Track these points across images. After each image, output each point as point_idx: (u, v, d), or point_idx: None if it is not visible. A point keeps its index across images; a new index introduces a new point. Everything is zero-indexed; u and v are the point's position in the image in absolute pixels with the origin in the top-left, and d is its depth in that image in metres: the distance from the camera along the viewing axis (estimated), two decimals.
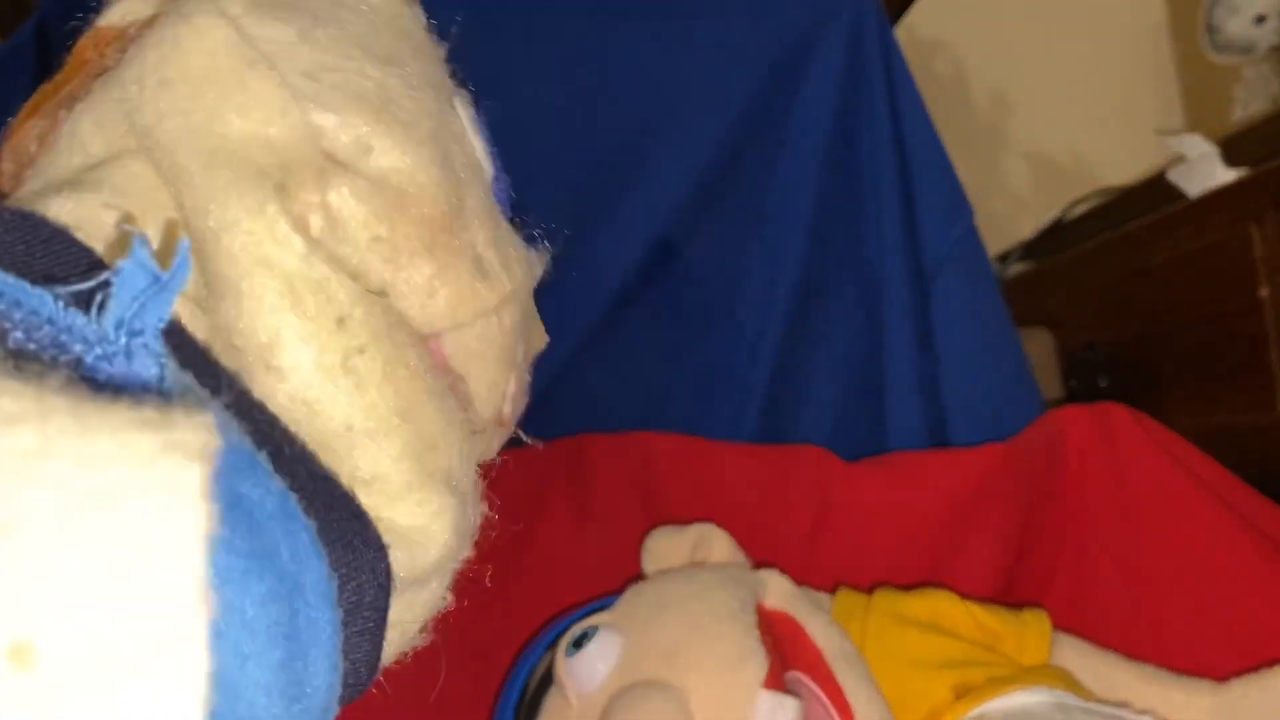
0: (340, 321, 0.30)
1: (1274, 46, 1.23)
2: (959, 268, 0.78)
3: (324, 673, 0.26)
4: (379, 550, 0.30)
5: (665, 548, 0.62)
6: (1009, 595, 0.67)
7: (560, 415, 0.77)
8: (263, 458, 0.26)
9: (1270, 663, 0.57)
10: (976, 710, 0.53)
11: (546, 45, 0.77)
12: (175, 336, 0.28)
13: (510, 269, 0.38)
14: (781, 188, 0.80)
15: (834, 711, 0.50)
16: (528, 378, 0.42)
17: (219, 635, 0.19)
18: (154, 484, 0.19)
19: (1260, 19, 1.23)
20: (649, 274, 0.80)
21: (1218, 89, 1.30)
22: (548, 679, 0.55)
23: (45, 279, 0.26)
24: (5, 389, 0.19)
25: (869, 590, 0.63)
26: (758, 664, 0.50)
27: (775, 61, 0.79)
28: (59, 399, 0.20)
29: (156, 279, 0.26)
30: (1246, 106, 1.25)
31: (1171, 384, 1.09)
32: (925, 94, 0.80)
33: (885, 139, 0.78)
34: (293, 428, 0.29)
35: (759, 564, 0.62)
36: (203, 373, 0.28)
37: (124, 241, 0.28)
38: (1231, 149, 1.06)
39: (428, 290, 0.33)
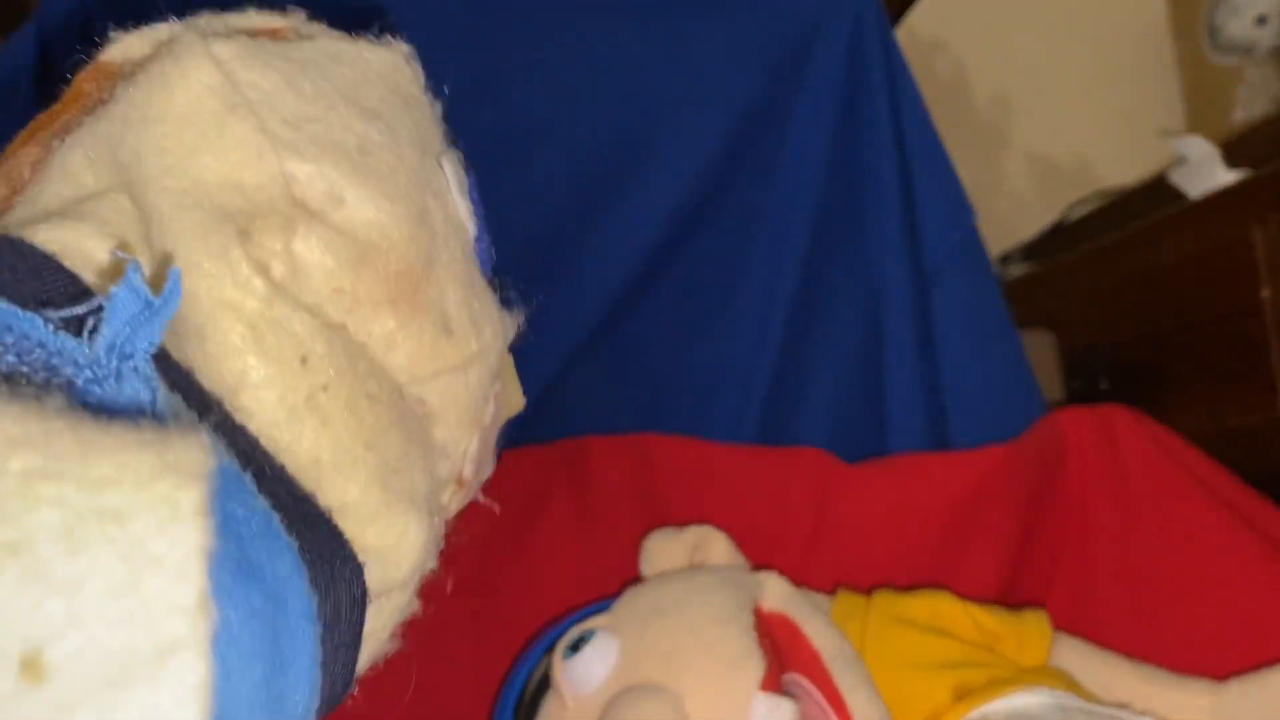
0: (303, 360, 0.30)
1: (1275, 48, 1.23)
2: (960, 269, 0.78)
3: (304, 687, 0.26)
4: (355, 567, 0.30)
5: (664, 550, 0.62)
6: (1010, 596, 0.67)
7: (560, 416, 0.77)
8: (247, 478, 0.27)
9: (1270, 662, 0.57)
10: (976, 711, 0.53)
11: (547, 46, 0.77)
12: (162, 361, 0.28)
13: (480, 330, 0.37)
14: (782, 188, 0.80)
15: (831, 713, 0.50)
16: (494, 442, 0.41)
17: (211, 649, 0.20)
18: (154, 502, 0.20)
19: (1261, 20, 1.23)
20: (649, 275, 0.79)
21: (1219, 90, 1.30)
22: (546, 682, 0.55)
23: (36, 303, 0.27)
24: (6, 412, 0.20)
25: (869, 592, 0.63)
26: (754, 666, 0.50)
27: (776, 62, 0.79)
28: (59, 421, 0.21)
29: (149, 304, 0.26)
30: (1247, 108, 1.25)
31: (1173, 385, 1.08)
32: (926, 95, 0.80)
33: (886, 140, 0.78)
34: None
35: (758, 566, 0.62)
36: (190, 395, 0.29)
37: (117, 267, 0.29)
38: (1232, 150, 1.06)
39: (388, 343, 0.33)
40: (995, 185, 1.40)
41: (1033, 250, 1.35)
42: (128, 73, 0.34)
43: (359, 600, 0.30)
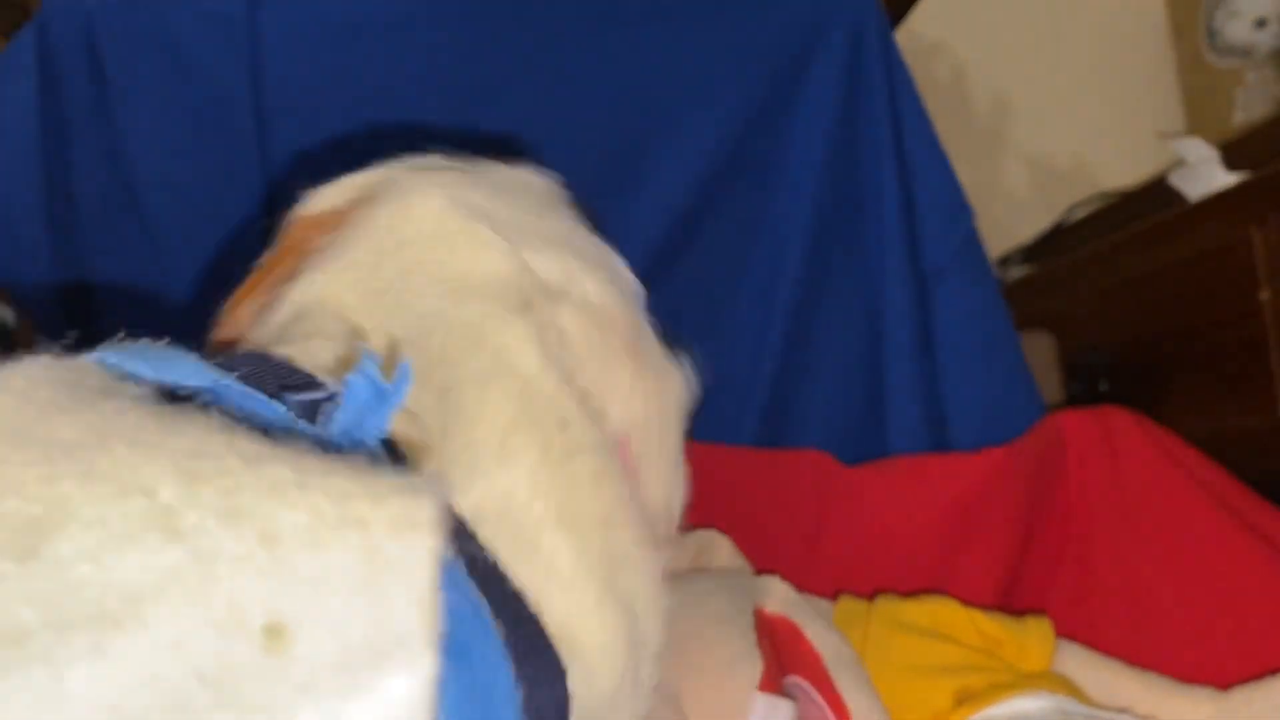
0: (564, 424, 0.34)
1: (1274, 50, 1.23)
2: (960, 271, 0.78)
3: None
4: (559, 669, 0.31)
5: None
6: (1010, 597, 0.67)
7: None
8: (460, 565, 0.28)
9: (1272, 669, 0.57)
10: (978, 716, 0.53)
11: (548, 49, 0.77)
12: (388, 447, 0.31)
13: (672, 370, 0.44)
14: (782, 190, 0.80)
15: (831, 715, 0.50)
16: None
17: None
18: (392, 514, 0.22)
19: (1261, 23, 1.23)
20: (649, 277, 0.79)
21: (1218, 92, 1.30)
22: None
23: (275, 392, 0.30)
24: (256, 436, 0.24)
25: (870, 595, 0.63)
26: (752, 666, 0.50)
27: (776, 65, 0.79)
28: (306, 444, 0.24)
29: (380, 390, 0.30)
30: (1247, 110, 1.25)
31: (1172, 387, 1.08)
32: (926, 97, 0.80)
33: (886, 142, 0.78)
34: (502, 519, 0.32)
35: (760, 571, 0.62)
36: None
37: (351, 359, 0.32)
38: (1232, 152, 1.06)
39: (629, 388, 0.39)
40: (995, 187, 1.40)
41: (1032, 252, 1.35)
42: (332, 222, 0.39)
43: (562, 705, 0.31)
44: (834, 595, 0.64)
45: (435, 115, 0.76)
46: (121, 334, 0.31)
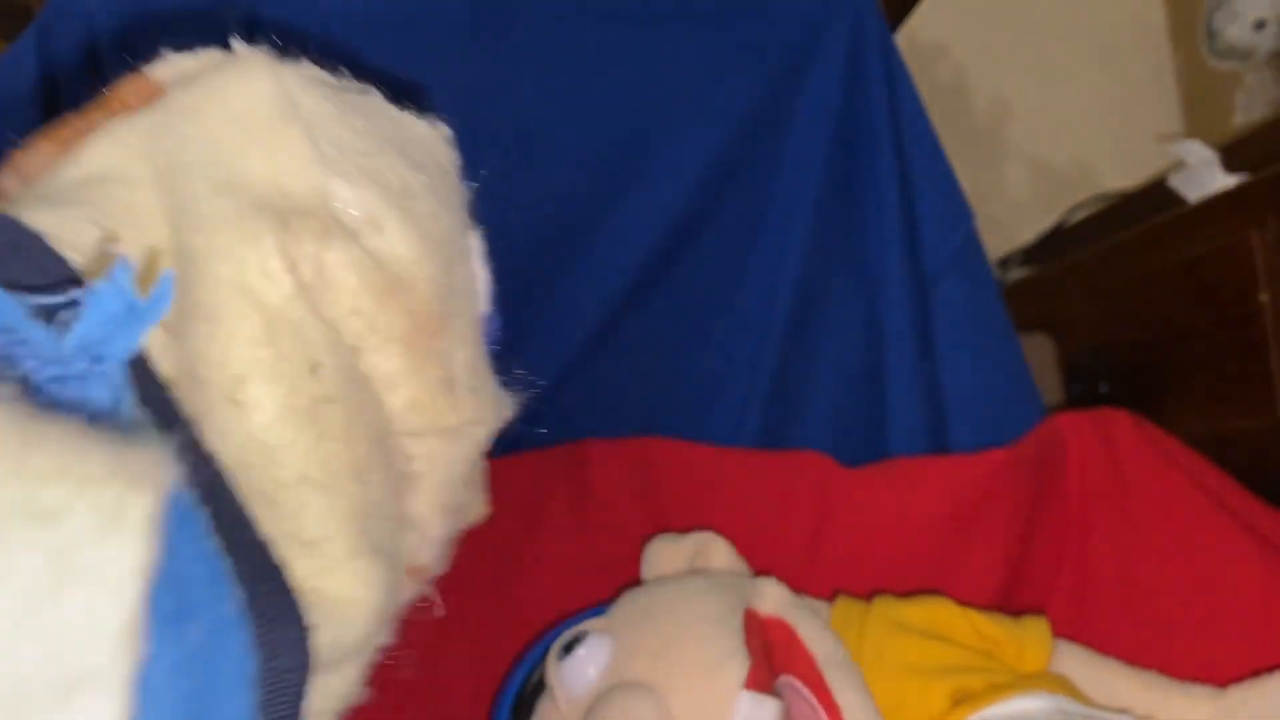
0: (314, 368, 0.29)
1: (1274, 52, 1.23)
2: (959, 273, 0.78)
3: None
4: (304, 630, 0.27)
5: (665, 555, 0.62)
6: (1010, 599, 0.67)
7: (561, 420, 0.77)
8: (202, 514, 0.25)
9: (1271, 668, 0.57)
10: (975, 716, 0.53)
11: (548, 51, 0.77)
12: (139, 369, 0.27)
13: (479, 400, 0.36)
14: (782, 192, 0.80)
15: (823, 715, 0.50)
16: (448, 539, 0.39)
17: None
18: (96, 506, 0.17)
19: (1260, 24, 1.23)
20: (649, 279, 0.80)
21: (1218, 94, 1.30)
22: (542, 684, 0.55)
23: (10, 284, 0.25)
24: None
25: (869, 596, 0.63)
26: (738, 665, 0.51)
27: (776, 67, 0.79)
28: (29, 354, 0.19)
29: (133, 306, 0.25)
30: (1247, 112, 1.25)
31: (1172, 389, 1.08)
32: (926, 99, 0.80)
33: (886, 144, 0.78)
34: (241, 473, 0.28)
35: (759, 572, 0.62)
36: (160, 412, 0.27)
37: (104, 261, 0.27)
38: (1231, 155, 1.06)
39: (389, 382, 0.32)
40: (994, 189, 1.40)
41: (1032, 254, 1.35)
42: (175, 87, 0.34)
43: (304, 668, 0.27)
44: (833, 593, 0.64)
45: (436, 117, 0.76)
46: None
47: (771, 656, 0.53)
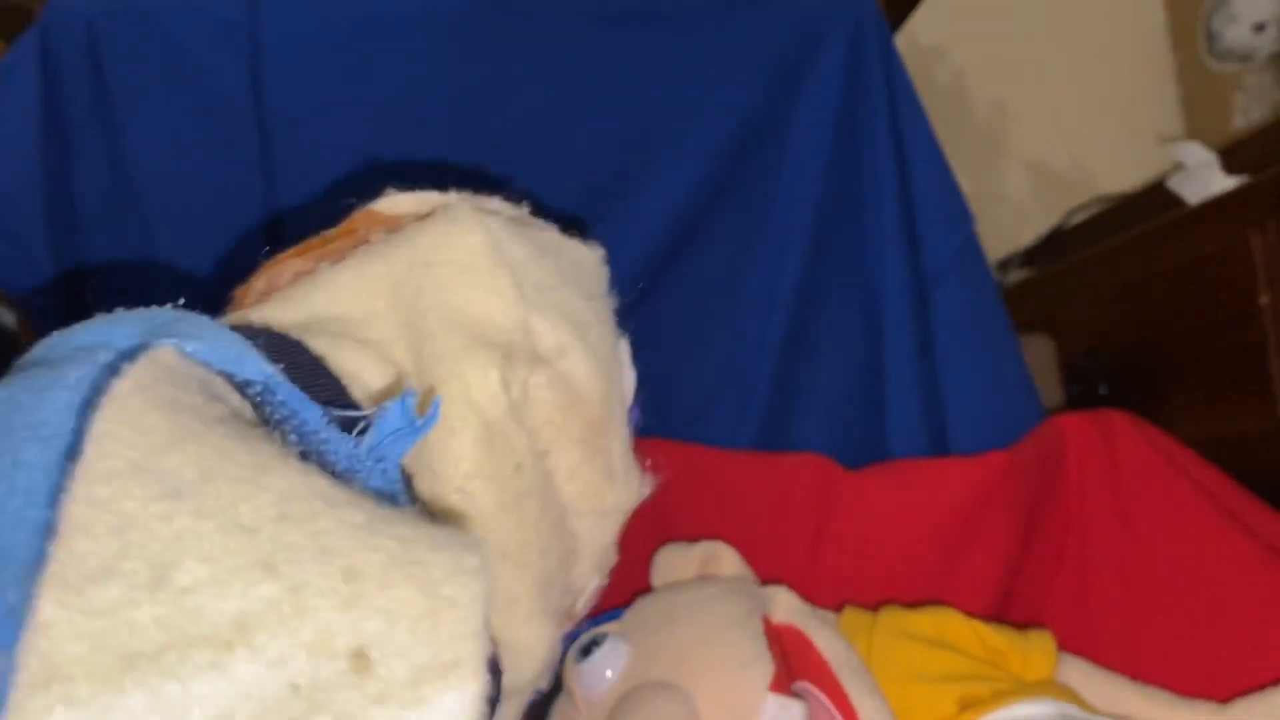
0: (517, 467, 0.38)
1: (1273, 54, 1.23)
2: (959, 275, 0.78)
3: None
4: (499, 671, 0.37)
5: (674, 563, 0.63)
6: (1009, 600, 0.67)
7: None
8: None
9: (1271, 674, 0.57)
10: None
11: (549, 53, 0.77)
12: (405, 471, 0.35)
13: (629, 483, 0.47)
14: (782, 195, 0.80)
15: (840, 718, 0.50)
16: (598, 591, 0.49)
17: None
18: (447, 559, 0.26)
19: (1259, 27, 1.24)
20: (650, 281, 0.80)
21: (1217, 96, 1.30)
22: (556, 688, 0.55)
23: (322, 402, 0.34)
24: (331, 480, 0.28)
25: (872, 598, 0.63)
26: (764, 668, 0.51)
27: (775, 70, 0.79)
28: (341, 454, 0.30)
29: (412, 422, 0.34)
30: (1246, 114, 1.26)
31: (1172, 391, 1.09)
32: (925, 102, 0.80)
33: (885, 146, 0.78)
34: None
35: (765, 580, 0.62)
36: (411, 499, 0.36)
37: (394, 389, 0.37)
38: (1231, 156, 1.06)
39: (570, 473, 0.42)
40: (994, 191, 1.41)
41: (1032, 256, 1.35)
42: (397, 224, 0.43)
43: (495, 700, 0.36)
44: (836, 597, 0.64)
45: (437, 119, 0.76)
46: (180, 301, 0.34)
47: (787, 663, 0.53)
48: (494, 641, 0.36)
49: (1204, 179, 1.06)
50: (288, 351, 0.35)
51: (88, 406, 0.27)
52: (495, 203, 0.45)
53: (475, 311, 0.39)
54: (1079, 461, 0.68)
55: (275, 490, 0.26)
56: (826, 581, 0.66)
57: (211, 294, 0.76)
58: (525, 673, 0.39)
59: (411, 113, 0.76)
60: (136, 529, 0.24)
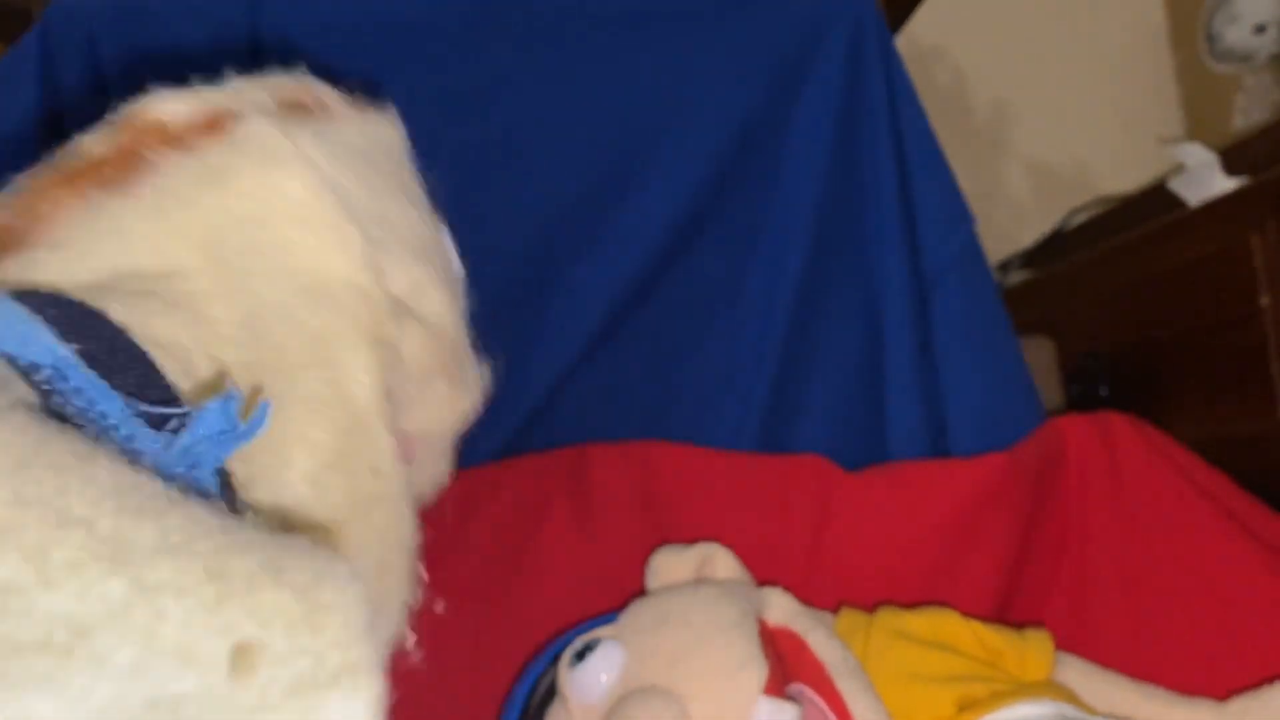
0: (376, 471, 0.34)
1: (1274, 55, 1.23)
2: (959, 276, 0.78)
3: None
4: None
5: (670, 565, 0.63)
6: (1010, 602, 0.67)
7: (561, 424, 0.77)
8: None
9: (1271, 678, 0.57)
10: None
11: (549, 55, 0.77)
12: (222, 475, 0.31)
13: (476, 384, 0.43)
14: (782, 196, 0.80)
15: None
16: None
17: None
18: (317, 567, 0.24)
19: (1260, 28, 1.23)
20: (649, 283, 0.80)
21: (1218, 98, 1.30)
22: (550, 693, 0.55)
23: (128, 392, 0.29)
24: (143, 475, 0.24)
25: (871, 600, 0.63)
26: (757, 671, 0.51)
27: (776, 70, 0.79)
28: (145, 455, 0.26)
29: (233, 429, 0.29)
30: (1247, 115, 1.25)
31: (1172, 392, 1.09)
32: (926, 103, 0.80)
33: (886, 148, 0.78)
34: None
35: (762, 582, 0.62)
36: (234, 507, 0.32)
37: (216, 385, 0.32)
38: (1231, 158, 1.06)
39: (437, 404, 0.39)
40: (995, 193, 1.40)
41: (1032, 257, 1.35)
42: (179, 138, 0.36)
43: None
44: (836, 599, 0.64)
45: (437, 119, 0.76)
46: None
47: (782, 665, 0.53)
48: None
49: (1204, 180, 1.06)
50: (84, 325, 0.30)
51: None
52: (278, 85, 0.39)
53: (327, 274, 0.34)
54: (1079, 463, 0.68)
55: (105, 482, 0.23)
56: (826, 583, 0.66)
57: None
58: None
59: (410, 113, 0.76)
60: None
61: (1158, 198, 1.13)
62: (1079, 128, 1.40)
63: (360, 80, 0.42)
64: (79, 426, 0.27)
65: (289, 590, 0.22)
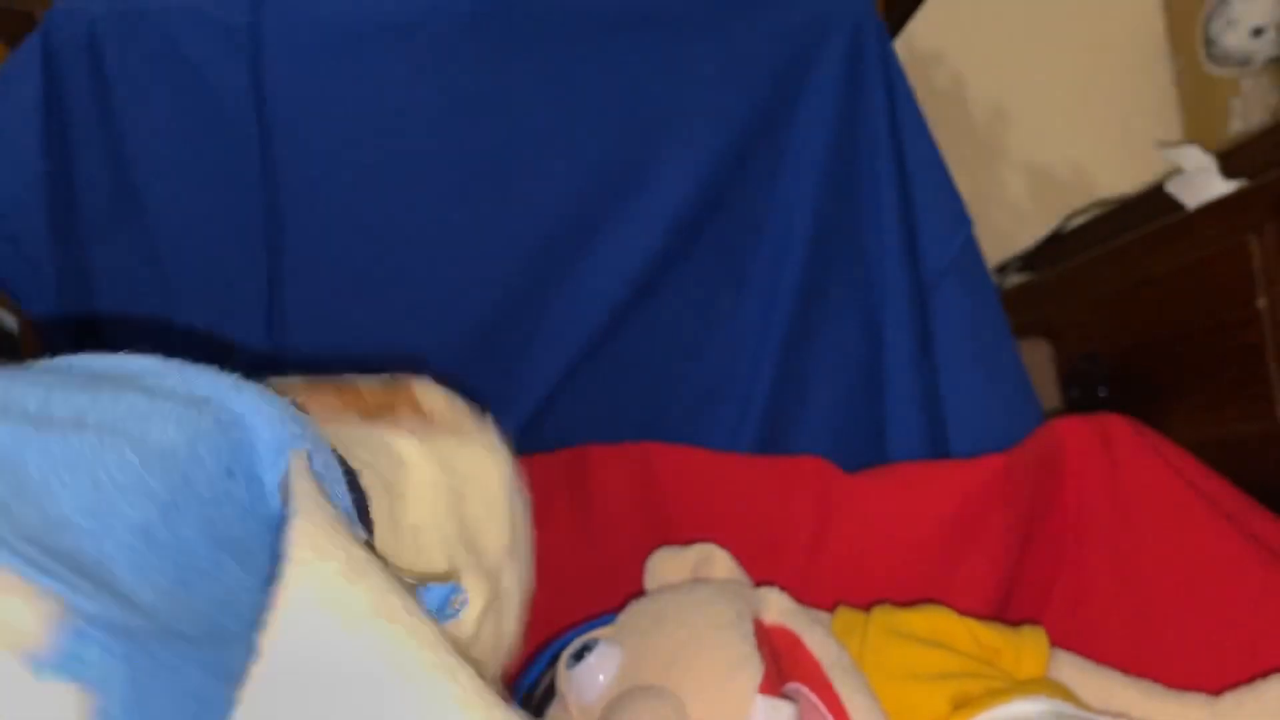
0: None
1: (1271, 59, 1.23)
2: (958, 279, 0.79)
3: None
4: None
5: (667, 566, 0.63)
6: (1008, 603, 0.67)
7: (561, 424, 0.78)
8: None
9: (1267, 672, 0.57)
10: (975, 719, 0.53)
11: (551, 56, 0.77)
12: None
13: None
14: (782, 199, 0.80)
15: (831, 719, 0.50)
16: None
17: None
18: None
19: (1258, 31, 1.24)
20: (649, 284, 0.80)
21: (1215, 101, 1.30)
22: (549, 694, 0.56)
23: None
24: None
25: (868, 600, 0.63)
26: (753, 670, 0.51)
27: (776, 74, 0.79)
28: None
29: (442, 610, 0.39)
30: (1244, 118, 1.26)
31: (1170, 394, 1.09)
32: (925, 106, 0.81)
33: (885, 151, 0.79)
34: None
35: (760, 581, 0.62)
36: None
37: (449, 576, 0.43)
38: (1229, 161, 1.06)
39: (518, 637, 0.51)
40: (993, 195, 1.41)
41: (1030, 260, 1.36)
42: (427, 414, 0.50)
43: None
44: (835, 599, 0.64)
45: (437, 122, 0.76)
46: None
47: (778, 664, 0.54)
48: None
49: (1202, 183, 1.06)
50: (352, 482, 0.38)
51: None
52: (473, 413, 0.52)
53: (488, 536, 0.48)
54: (1078, 465, 0.68)
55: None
56: (825, 583, 0.66)
57: (210, 296, 0.76)
58: None
59: (412, 116, 0.76)
60: None
61: (1156, 200, 1.13)
62: (1077, 131, 1.40)
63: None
64: None
65: None
